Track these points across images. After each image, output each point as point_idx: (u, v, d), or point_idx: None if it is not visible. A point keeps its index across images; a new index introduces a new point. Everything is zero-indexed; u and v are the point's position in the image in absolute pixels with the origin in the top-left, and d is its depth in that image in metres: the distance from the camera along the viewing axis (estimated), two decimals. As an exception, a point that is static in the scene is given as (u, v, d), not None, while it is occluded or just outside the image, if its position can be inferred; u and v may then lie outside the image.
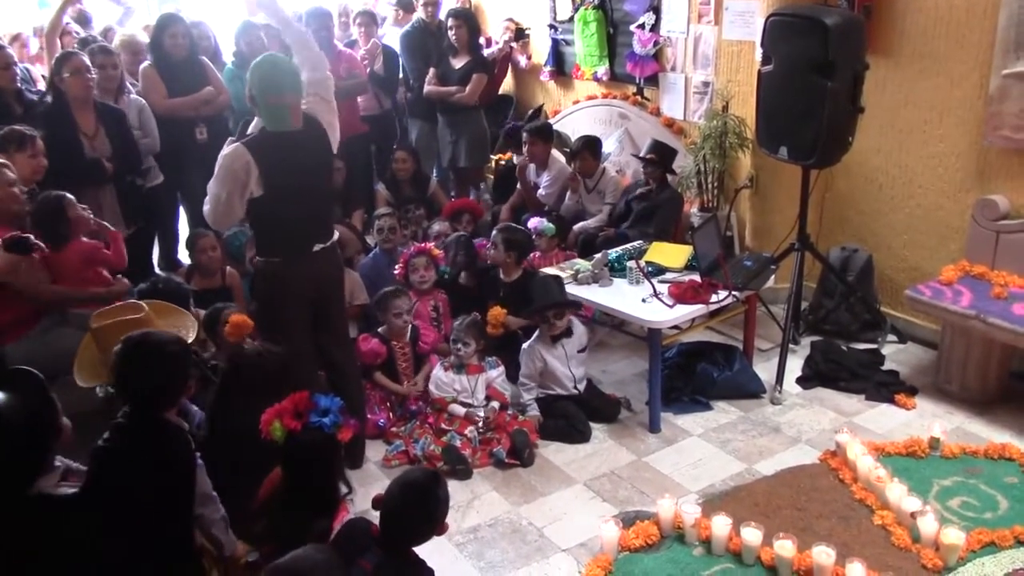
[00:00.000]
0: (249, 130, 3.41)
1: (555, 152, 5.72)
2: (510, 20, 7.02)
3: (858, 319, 4.64)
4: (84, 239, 3.69)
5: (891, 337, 4.61)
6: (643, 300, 3.89)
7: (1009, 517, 3.14)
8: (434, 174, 6.19)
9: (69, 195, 3.65)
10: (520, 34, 6.97)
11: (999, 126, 4.01)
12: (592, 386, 4.13)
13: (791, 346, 4.40)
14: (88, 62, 4.37)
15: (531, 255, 4.82)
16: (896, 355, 4.48)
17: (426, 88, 5.99)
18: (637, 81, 5.90)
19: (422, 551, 2.44)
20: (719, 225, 4.59)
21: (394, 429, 3.90)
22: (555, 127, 6.13)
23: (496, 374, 3.99)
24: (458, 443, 3.69)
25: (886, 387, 4.12)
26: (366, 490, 3.25)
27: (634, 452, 3.74)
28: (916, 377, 4.23)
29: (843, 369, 4.27)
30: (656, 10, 5.59)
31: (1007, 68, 3.93)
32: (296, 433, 2.50)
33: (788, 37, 3.98)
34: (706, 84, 5.34)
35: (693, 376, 4.17)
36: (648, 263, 4.16)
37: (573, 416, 3.88)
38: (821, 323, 4.71)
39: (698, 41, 5.33)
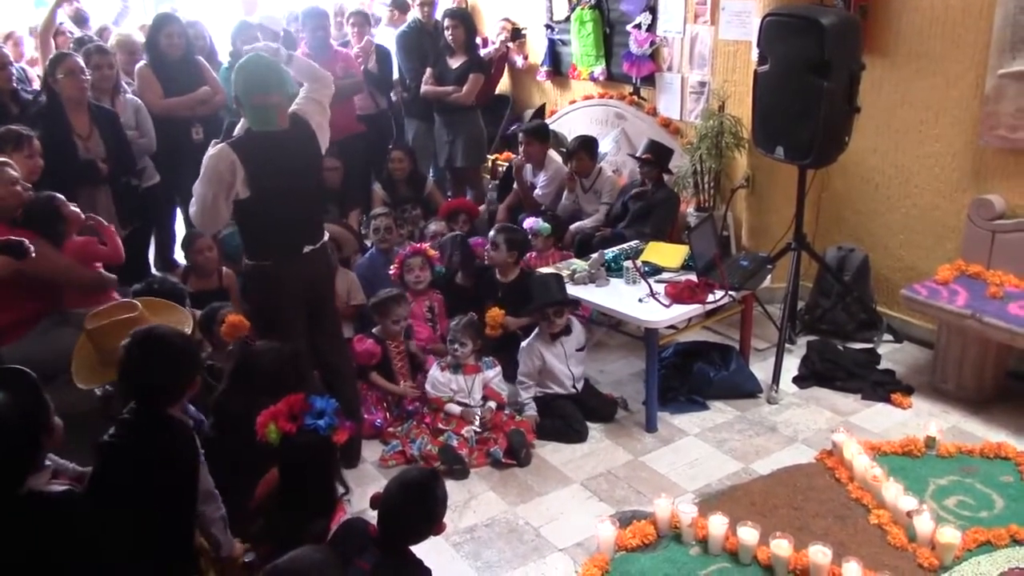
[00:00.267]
0: (235, 132, 3.39)
1: (551, 152, 5.71)
2: (506, 20, 7.00)
3: (854, 319, 4.64)
4: (76, 236, 3.68)
5: (887, 336, 4.61)
6: (640, 300, 3.89)
7: (1005, 516, 3.14)
8: (430, 174, 6.18)
9: (59, 195, 3.63)
10: (516, 34, 6.95)
11: (995, 126, 4.02)
12: (589, 386, 4.13)
13: (787, 346, 4.40)
14: (82, 63, 4.35)
15: (527, 255, 4.82)
16: (892, 354, 4.49)
17: (423, 88, 5.98)
18: (633, 81, 5.90)
19: (419, 551, 2.45)
20: (715, 225, 4.60)
21: (391, 429, 3.90)
22: (552, 127, 6.13)
23: (493, 374, 3.99)
24: (455, 443, 3.69)
25: (882, 386, 4.12)
26: (363, 490, 3.25)
27: (631, 452, 3.75)
28: (912, 376, 4.24)
29: (839, 368, 4.27)
30: (652, 10, 5.59)
31: (1003, 68, 3.94)
32: (291, 436, 2.48)
33: (784, 37, 3.99)
34: (702, 84, 5.34)
35: (690, 376, 4.18)
36: (644, 263, 4.16)
37: (570, 416, 3.88)
38: (817, 323, 4.72)
39: (694, 41, 5.33)
